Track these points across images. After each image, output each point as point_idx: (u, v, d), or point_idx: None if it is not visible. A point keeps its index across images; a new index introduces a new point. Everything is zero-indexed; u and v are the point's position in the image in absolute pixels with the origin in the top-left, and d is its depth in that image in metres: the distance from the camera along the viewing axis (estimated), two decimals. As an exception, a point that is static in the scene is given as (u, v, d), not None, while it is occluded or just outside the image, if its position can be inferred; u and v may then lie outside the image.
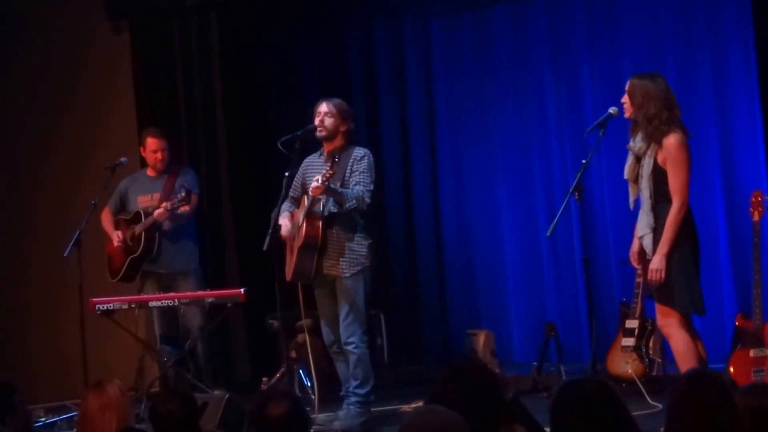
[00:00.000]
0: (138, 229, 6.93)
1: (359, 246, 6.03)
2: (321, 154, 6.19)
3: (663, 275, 5.34)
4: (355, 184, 5.99)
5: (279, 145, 6.16)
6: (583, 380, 3.21)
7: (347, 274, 6.01)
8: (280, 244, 6.10)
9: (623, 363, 6.46)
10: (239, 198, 7.87)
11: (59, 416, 6.62)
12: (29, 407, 6.16)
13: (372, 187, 6.03)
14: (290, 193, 6.22)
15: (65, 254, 6.79)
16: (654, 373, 6.39)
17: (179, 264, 6.97)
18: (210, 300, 6.62)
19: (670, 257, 5.35)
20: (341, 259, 6.00)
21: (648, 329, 6.49)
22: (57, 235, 7.45)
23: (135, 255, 6.93)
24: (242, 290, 6.47)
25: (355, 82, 8.18)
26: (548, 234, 5.87)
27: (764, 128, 6.47)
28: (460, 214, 8.03)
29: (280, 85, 8.05)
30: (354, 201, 5.92)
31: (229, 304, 6.65)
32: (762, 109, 6.50)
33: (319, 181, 5.77)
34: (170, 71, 7.94)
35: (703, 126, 7.05)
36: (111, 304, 6.54)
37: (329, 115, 6.10)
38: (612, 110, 5.70)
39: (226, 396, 5.65)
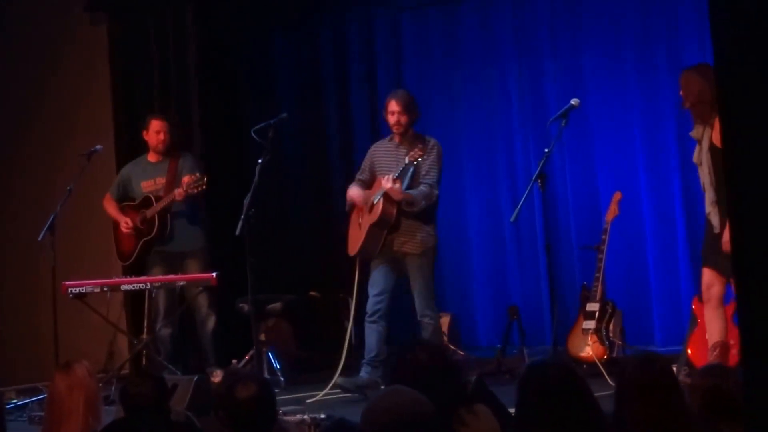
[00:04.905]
0: (150, 212, 6.98)
1: (429, 227, 6.26)
2: (391, 140, 6.37)
3: None
4: (425, 174, 6.18)
5: (252, 133, 6.29)
6: (548, 362, 3.24)
7: (418, 252, 6.22)
8: (251, 229, 6.19)
9: (584, 345, 6.53)
10: (213, 185, 7.92)
11: (31, 398, 6.61)
12: (0, 389, 6.24)
13: (438, 179, 6.24)
14: (357, 176, 6.46)
15: (39, 239, 6.82)
16: (614, 355, 6.48)
17: (188, 244, 7.01)
18: (181, 284, 6.71)
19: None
20: (413, 238, 6.22)
21: (608, 312, 6.57)
22: (32, 220, 7.46)
23: (148, 238, 6.99)
24: (214, 274, 6.53)
25: (326, 73, 8.32)
26: (512, 220, 6.03)
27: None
28: (426, 199, 8.13)
29: (254, 76, 8.17)
30: (423, 202, 6.17)
31: (200, 288, 6.76)
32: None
33: (389, 184, 6.01)
34: (147, 62, 8.01)
35: (662, 119, 7.25)
36: (83, 288, 6.59)
37: (402, 113, 6.25)
38: (574, 101, 5.85)
39: (195, 378, 5.67)
